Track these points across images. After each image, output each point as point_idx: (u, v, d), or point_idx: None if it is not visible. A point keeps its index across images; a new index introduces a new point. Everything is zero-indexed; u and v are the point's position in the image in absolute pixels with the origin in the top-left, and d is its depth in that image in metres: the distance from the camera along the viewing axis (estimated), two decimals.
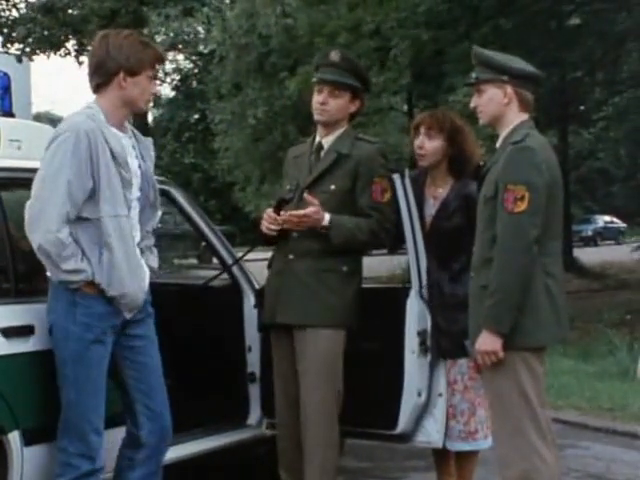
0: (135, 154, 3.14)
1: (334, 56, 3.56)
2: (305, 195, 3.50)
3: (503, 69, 3.07)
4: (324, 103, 3.56)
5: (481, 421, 3.60)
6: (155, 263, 3.23)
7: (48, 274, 3.02)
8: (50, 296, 3.04)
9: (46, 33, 18.96)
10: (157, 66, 3.20)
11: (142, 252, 3.15)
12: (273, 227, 3.51)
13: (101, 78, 3.09)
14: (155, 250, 3.26)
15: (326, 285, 3.51)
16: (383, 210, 3.55)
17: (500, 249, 2.97)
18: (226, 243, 4.11)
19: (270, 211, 3.55)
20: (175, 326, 3.78)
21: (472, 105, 3.16)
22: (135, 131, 3.23)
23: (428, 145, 3.63)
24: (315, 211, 3.46)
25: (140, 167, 3.13)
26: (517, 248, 2.94)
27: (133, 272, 3.04)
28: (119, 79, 3.08)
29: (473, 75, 3.14)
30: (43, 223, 2.92)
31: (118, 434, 3.20)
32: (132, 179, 3.06)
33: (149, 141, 3.25)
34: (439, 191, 3.66)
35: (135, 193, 3.10)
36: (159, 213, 3.30)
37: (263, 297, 3.72)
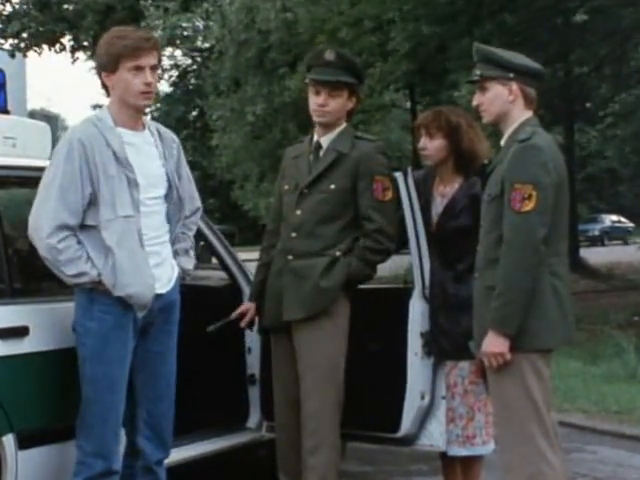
0: (159, 154, 3.12)
1: (329, 55, 3.50)
2: None
3: (509, 66, 3.02)
4: (324, 105, 3.50)
5: (480, 426, 3.55)
6: (189, 265, 3.24)
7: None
8: (75, 297, 3.04)
9: (41, 29, 18.90)
10: (141, 53, 2.99)
11: (176, 254, 3.17)
12: None
13: (100, 81, 3.08)
14: (192, 252, 3.26)
15: (318, 270, 3.44)
16: (384, 209, 3.49)
17: (507, 249, 2.93)
18: (225, 243, 4.07)
19: None
20: None
21: (474, 103, 3.11)
22: (160, 129, 3.20)
23: (430, 145, 3.61)
24: None
25: (164, 166, 3.12)
26: (525, 247, 2.90)
27: (139, 272, 3.00)
28: (105, 80, 3.06)
29: (477, 72, 3.08)
30: (37, 231, 2.95)
31: None
32: (138, 178, 3.02)
33: (170, 137, 3.21)
34: (447, 189, 3.63)
35: (152, 193, 3.08)
36: (198, 212, 3.32)
37: (263, 298, 3.66)
